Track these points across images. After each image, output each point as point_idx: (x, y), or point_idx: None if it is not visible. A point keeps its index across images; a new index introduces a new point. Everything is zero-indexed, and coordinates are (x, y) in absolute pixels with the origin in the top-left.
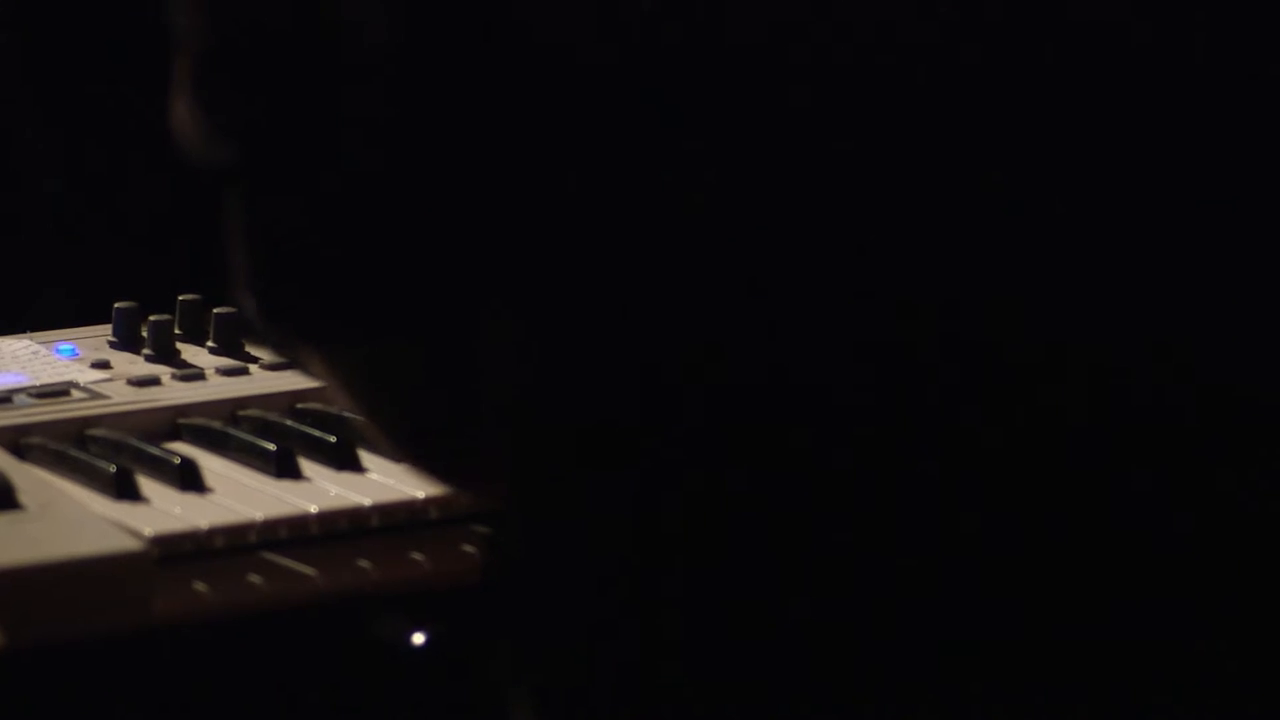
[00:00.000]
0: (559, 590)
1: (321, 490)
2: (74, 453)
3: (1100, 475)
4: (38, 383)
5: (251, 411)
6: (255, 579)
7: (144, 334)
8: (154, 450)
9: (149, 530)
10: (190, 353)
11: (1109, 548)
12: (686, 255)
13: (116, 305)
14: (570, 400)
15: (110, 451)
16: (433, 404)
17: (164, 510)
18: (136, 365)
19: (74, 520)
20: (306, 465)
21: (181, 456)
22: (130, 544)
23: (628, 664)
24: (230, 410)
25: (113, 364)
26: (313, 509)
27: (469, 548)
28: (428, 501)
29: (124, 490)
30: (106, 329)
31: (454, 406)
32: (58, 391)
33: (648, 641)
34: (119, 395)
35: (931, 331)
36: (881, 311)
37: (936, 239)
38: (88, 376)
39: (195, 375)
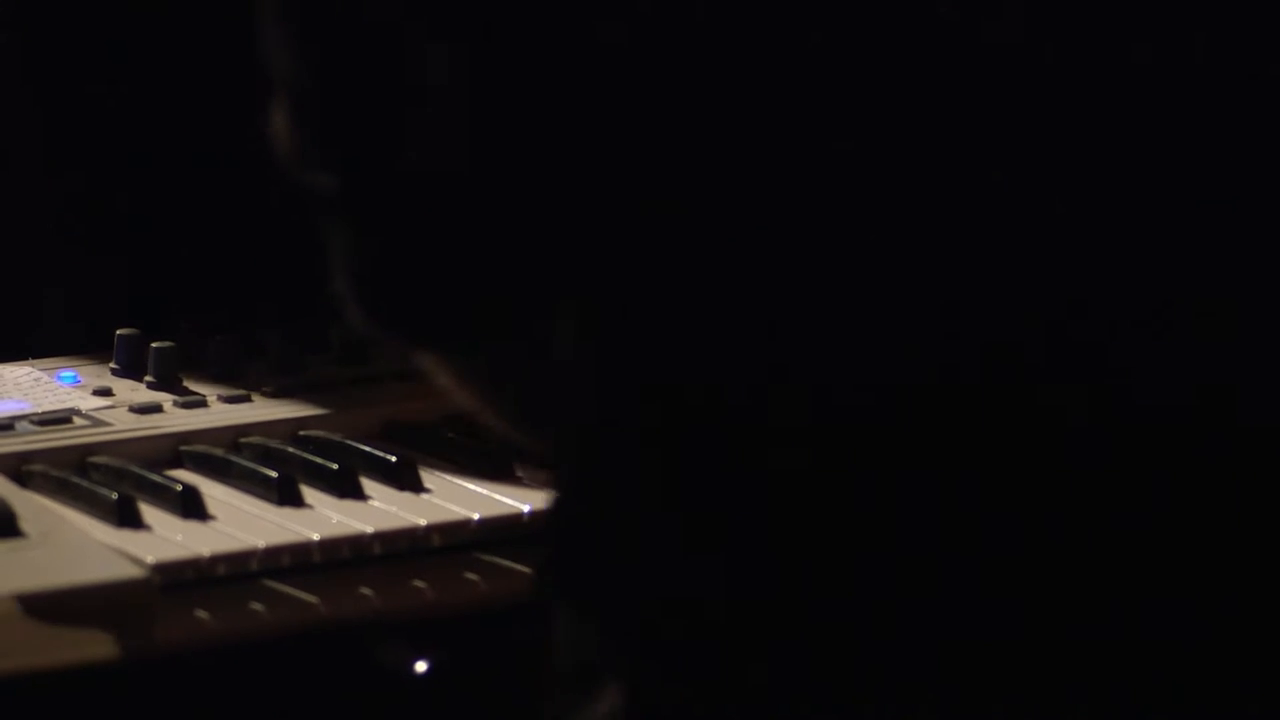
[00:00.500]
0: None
1: (323, 518)
2: (76, 480)
3: (1100, 475)
4: (39, 410)
5: (253, 439)
6: (257, 606)
7: (146, 361)
8: (156, 477)
9: (151, 558)
10: (192, 380)
11: (1109, 548)
12: (686, 256)
13: (119, 332)
14: (578, 404)
15: (112, 479)
16: (531, 392)
17: (166, 537)
18: (138, 392)
19: (76, 547)
20: (308, 492)
21: (183, 484)
22: (132, 571)
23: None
24: (232, 437)
25: (114, 391)
26: (315, 536)
27: (472, 575)
28: (430, 529)
29: (126, 517)
30: (108, 356)
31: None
32: (60, 419)
33: (646, 641)
34: (121, 422)
35: (932, 331)
36: (882, 311)
37: (937, 239)
38: (89, 404)
39: (197, 402)
